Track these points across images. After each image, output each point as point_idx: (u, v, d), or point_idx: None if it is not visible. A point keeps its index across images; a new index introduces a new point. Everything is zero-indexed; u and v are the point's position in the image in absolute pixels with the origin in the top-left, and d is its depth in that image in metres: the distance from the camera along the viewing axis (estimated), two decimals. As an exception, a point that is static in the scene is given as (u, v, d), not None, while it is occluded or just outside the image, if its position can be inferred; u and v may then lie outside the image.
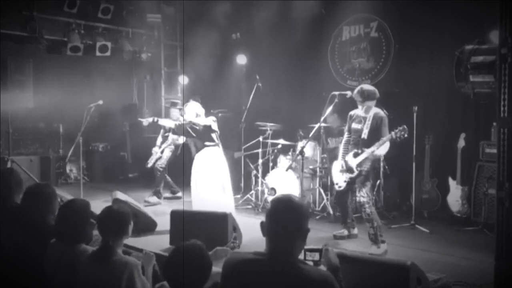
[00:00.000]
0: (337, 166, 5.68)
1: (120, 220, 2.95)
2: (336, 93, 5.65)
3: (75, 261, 2.84)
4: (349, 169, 5.44)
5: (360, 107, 5.51)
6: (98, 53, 9.40)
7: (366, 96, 5.42)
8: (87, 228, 2.98)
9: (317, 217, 6.78)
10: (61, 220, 3.01)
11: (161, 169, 7.83)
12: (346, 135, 5.73)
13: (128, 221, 2.99)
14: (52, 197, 3.44)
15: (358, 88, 5.53)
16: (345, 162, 5.48)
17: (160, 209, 6.96)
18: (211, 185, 6.15)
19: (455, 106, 6.85)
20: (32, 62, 9.14)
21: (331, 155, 7.18)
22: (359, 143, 5.42)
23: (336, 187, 5.74)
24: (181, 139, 7.82)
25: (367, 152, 5.24)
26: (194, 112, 6.36)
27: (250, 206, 7.51)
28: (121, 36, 9.92)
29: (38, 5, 8.55)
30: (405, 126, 5.16)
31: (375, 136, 5.32)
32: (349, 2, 8.08)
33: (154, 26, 10.38)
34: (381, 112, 5.45)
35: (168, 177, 8.10)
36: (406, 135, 5.16)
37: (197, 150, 6.47)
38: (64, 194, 5.20)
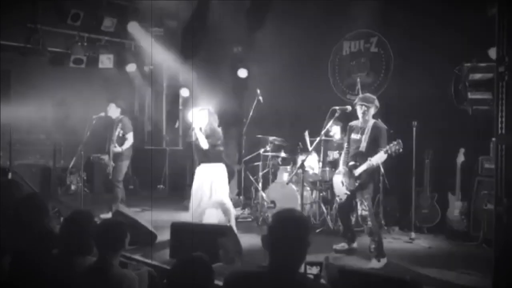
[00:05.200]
0: (337, 178, 5.71)
1: (116, 234, 2.95)
2: (337, 107, 5.70)
3: (76, 272, 2.86)
4: (349, 182, 5.47)
5: (360, 117, 5.55)
6: (100, 65, 9.49)
7: (367, 99, 5.51)
8: (91, 239, 2.99)
9: (317, 231, 6.78)
10: (66, 231, 3.03)
11: (117, 183, 7.53)
12: (345, 147, 5.77)
13: (125, 234, 2.99)
14: (42, 207, 3.46)
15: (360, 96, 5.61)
16: (349, 171, 5.50)
17: (160, 221, 6.96)
18: (211, 203, 6.08)
19: (454, 121, 6.88)
20: (35, 73, 9.23)
21: (331, 168, 7.21)
22: (357, 156, 5.46)
23: (337, 199, 5.76)
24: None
25: (365, 165, 5.27)
26: (204, 122, 6.23)
27: (250, 219, 7.51)
28: (123, 49, 10.01)
29: (42, 17, 8.64)
30: (399, 140, 5.17)
31: (373, 148, 5.35)
32: (349, 17, 8.16)
33: (157, 39, 10.46)
34: (380, 123, 5.50)
35: (123, 192, 7.72)
36: (401, 150, 5.18)
37: (198, 161, 6.37)
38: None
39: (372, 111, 5.47)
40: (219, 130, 6.31)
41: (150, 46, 10.09)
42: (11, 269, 3.19)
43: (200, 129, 6.22)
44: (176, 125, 10.43)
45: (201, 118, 6.29)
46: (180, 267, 2.51)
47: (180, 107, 10.62)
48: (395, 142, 5.17)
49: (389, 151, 5.18)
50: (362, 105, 5.48)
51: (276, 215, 2.33)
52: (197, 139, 6.22)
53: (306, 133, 7.27)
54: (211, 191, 6.14)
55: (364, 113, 5.45)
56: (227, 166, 6.42)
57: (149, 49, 10.22)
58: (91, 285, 2.80)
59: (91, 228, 3.02)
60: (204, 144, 6.14)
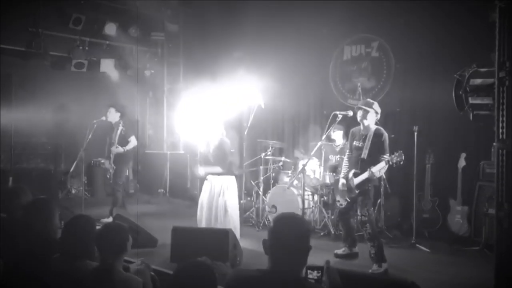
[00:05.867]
0: (339, 184, 5.71)
1: (118, 238, 2.95)
2: (338, 112, 5.71)
3: (79, 277, 2.86)
4: (350, 189, 5.47)
5: (359, 122, 5.55)
6: (102, 70, 9.52)
7: (365, 103, 5.52)
8: (92, 244, 3.00)
9: (318, 235, 6.78)
10: (67, 235, 3.03)
11: (118, 187, 7.50)
12: (347, 153, 5.78)
13: (126, 238, 3.00)
14: (51, 211, 3.47)
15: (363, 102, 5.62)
16: (346, 181, 5.51)
17: (160, 225, 6.97)
18: (217, 215, 5.98)
19: (455, 125, 6.90)
20: (36, 77, 9.26)
21: (332, 172, 7.21)
22: (358, 163, 5.46)
23: (338, 204, 5.77)
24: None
25: (366, 174, 5.28)
26: (213, 134, 6.07)
27: (251, 224, 7.51)
28: (125, 53, 10.04)
29: (43, 21, 8.67)
30: (401, 152, 5.20)
31: (375, 155, 5.35)
32: (350, 22, 8.19)
33: (157, 43, 10.50)
34: (382, 129, 5.50)
35: (123, 196, 7.72)
36: (402, 162, 5.20)
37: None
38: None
39: (372, 116, 5.45)
40: (227, 141, 6.11)
41: (151, 50, 10.13)
42: (5, 272, 3.19)
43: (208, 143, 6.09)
44: (177, 130, 10.43)
45: (212, 129, 6.13)
46: (183, 271, 2.50)
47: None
48: (396, 154, 5.19)
49: (390, 162, 5.20)
50: (360, 108, 5.49)
51: (276, 219, 2.33)
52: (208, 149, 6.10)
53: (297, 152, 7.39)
54: (222, 204, 5.98)
55: (362, 117, 5.44)
56: (236, 177, 6.22)
57: (150, 53, 10.26)
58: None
59: (92, 232, 3.03)
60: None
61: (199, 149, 6.10)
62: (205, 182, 6.12)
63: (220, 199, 5.94)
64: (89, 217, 3.20)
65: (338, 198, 5.74)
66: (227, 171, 6.04)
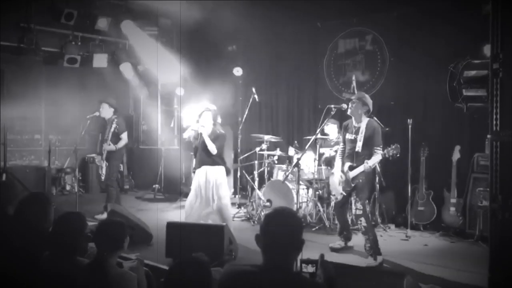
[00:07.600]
0: (334, 178, 5.71)
1: (116, 234, 2.94)
2: (332, 106, 5.69)
3: (70, 274, 2.84)
4: (346, 182, 5.47)
5: (350, 115, 5.54)
6: (95, 65, 9.45)
7: (356, 95, 5.52)
8: (82, 240, 2.98)
9: (313, 229, 6.79)
10: (57, 233, 3.01)
11: (111, 183, 7.43)
12: (341, 146, 5.77)
13: (125, 235, 2.99)
14: (46, 206, 3.44)
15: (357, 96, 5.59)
16: (342, 175, 5.51)
17: (155, 221, 6.95)
18: (209, 206, 5.99)
19: (450, 118, 6.91)
20: (29, 73, 9.19)
21: (327, 166, 7.21)
22: (353, 156, 5.45)
23: (333, 198, 5.77)
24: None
25: (361, 167, 5.27)
26: (211, 125, 6.04)
27: (246, 218, 7.51)
28: (118, 48, 9.97)
29: (35, 17, 8.59)
30: (397, 145, 5.18)
31: (368, 147, 5.35)
32: (344, 15, 8.18)
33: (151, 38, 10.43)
34: (374, 122, 5.49)
35: (117, 191, 7.67)
36: (398, 154, 5.19)
37: (198, 161, 6.19)
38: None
39: (364, 109, 5.44)
40: (224, 134, 6.11)
41: (144, 45, 10.07)
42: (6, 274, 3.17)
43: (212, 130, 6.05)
44: (172, 124, 10.39)
45: (206, 119, 6.07)
46: (178, 267, 2.48)
47: (175, 106, 10.58)
48: (393, 146, 5.17)
49: (386, 155, 5.18)
50: (352, 102, 5.49)
51: (268, 214, 2.32)
52: (196, 139, 6.11)
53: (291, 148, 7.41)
54: (216, 195, 5.98)
55: (355, 110, 5.44)
56: (226, 168, 6.26)
57: (144, 48, 10.20)
58: (89, 283, 2.79)
59: (83, 229, 3.00)
60: (213, 149, 5.94)
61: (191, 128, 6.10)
62: (197, 171, 6.13)
63: (213, 188, 5.97)
64: (80, 214, 3.17)
65: (333, 192, 5.74)
66: (219, 162, 6.05)
